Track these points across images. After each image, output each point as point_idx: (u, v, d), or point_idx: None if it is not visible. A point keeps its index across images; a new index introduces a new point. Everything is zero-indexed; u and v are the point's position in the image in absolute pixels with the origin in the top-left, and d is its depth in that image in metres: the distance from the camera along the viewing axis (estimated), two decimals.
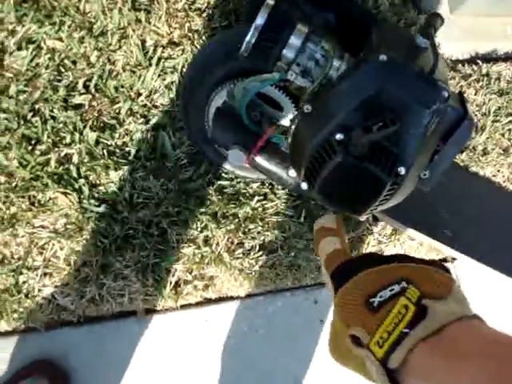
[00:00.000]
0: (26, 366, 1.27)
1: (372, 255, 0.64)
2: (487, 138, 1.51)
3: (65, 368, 1.29)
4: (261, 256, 1.35)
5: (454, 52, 1.58)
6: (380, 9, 1.51)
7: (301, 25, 1.01)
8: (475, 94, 1.53)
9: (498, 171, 1.51)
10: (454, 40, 1.57)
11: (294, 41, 0.99)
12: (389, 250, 1.44)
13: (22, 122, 1.30)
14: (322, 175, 0.93)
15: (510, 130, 1.53)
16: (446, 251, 1.39)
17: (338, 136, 0.90)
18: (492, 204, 1.46)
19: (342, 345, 0.56)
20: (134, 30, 1.38)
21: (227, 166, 1.31)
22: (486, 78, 1.55)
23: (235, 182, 1.35)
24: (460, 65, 1.56)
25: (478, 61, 1.57)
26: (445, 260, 1.49)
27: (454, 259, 1.47)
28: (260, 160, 1.16)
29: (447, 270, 0.58)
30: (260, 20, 0.98)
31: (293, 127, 1.07)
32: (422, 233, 1.30)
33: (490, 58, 1.58)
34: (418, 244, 1.44)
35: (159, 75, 1.37)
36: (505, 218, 1.45)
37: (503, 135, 1.52)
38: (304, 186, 0.99)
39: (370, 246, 1.41)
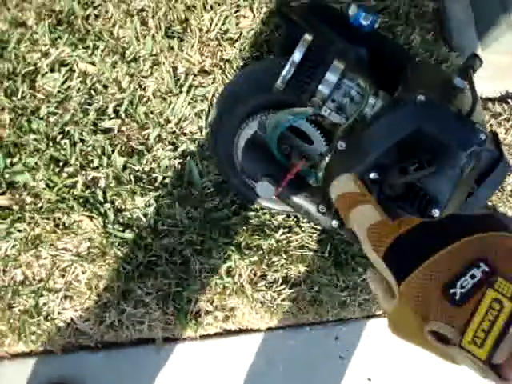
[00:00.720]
0: None
1: (427, 225, 0.54)
2: None
3: None
4: (283, 289, 1.33)
5: (485, 90, 1.57)
6: (412, 44, 1.50)
7: (337, 61, 1.01)
8: (505, 133, 1.52)
9: None
10: (484, 78, 1.55)
11: (330, 77, 0.99)
12: None
13: (50, 144, 1.30)
14: None
15: None
16: None
17: (373, 175, 0.89)
18: None
19: (414, 333, 0.51)
20: (166, 57, 1.39)
21: (253, 197, 1.30)
22: None
23: (261, 213, 1.34)
24: (490, 103, 1.55)
25: (509, 100, 1.55)
26: None
27: None
28: (288, 193, 1.15)
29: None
30: (297, 55, 0.98)
31: (323, 162, 1.06)
32: None
33: None
34: None
35: (189, 103, 1.37)
36: None
37: None
38: (335, 223, 0.98)
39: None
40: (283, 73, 0.97)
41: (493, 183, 0.98)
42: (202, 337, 1.33)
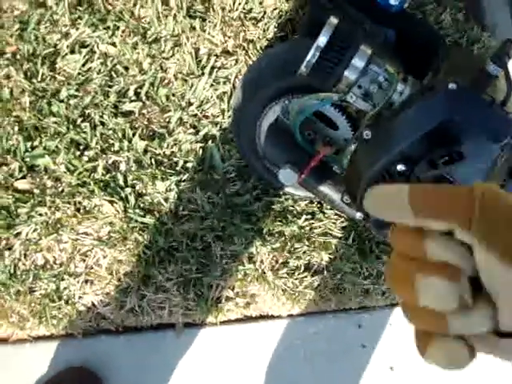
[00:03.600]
0: (61, 372, 1.26)
1: None
2: None
3: (99, 376, 1.27)
4: (305, 277, 1.31)
5: None
6: (442, 24, 1.45)
7: (364, 46, 0.97)
8: None
9: None
10: None
11: (357, 62, 0.95)
12: None
13: (71, 127, 1.29)
14: None
15: None
16: None
17: (400, 167, 0.86)
18: None
19: None
20: (187, 38, 1.36)
21: (276, 183, 1.27)
22: None
23: (283, 199, 1.32)
24: None
25: None
26: None
27: None
28: (312, 181, 1.12)
29: None
30: (323, 39, 0.94)
31: (349, 150, 1.03)
32: None
33: None
34: None
35: (211, 85, 1.34)
36: None
37: None
38: (359, 215, 0.95)
39: None
40: (308, 57, 0.94)
41: None
42: (223, 322, 1.32)
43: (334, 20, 0.96)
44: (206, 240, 1.28)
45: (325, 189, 1.12)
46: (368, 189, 0.41)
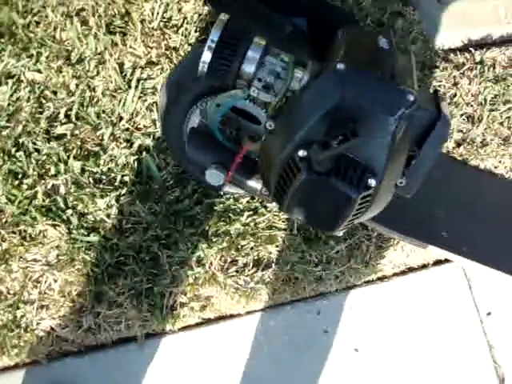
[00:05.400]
0: None
1: None
2: (485, 128, 1.44)
3: None
4: (255, 272, 1.32)
5: (445, 41, 1.52)
6: (362, 5, 1.46)
7: (258, 38, 0.98)
8: (469, 84, 1.47)
9: (500, 162, 1.44)
10: (444, 28, 1.51)
11: (252, 55, 0.96)
12: (390, 256, 1.39)
13: (6, 158, 1.30)
14: (289, 194, 0.90)
15: (509, 117, 1.46)
16: (444, 255, 1.33)
17: (301, 152, 0.87)
18: (497, 198, 1.39)
19: None
20: (111, 54, 1.37)
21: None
22: (479, 66, 1.48)
23: (224, 199, 1.33)
24: (452, 54, 1.50)
25: (471, 48, 1.50)
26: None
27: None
28: (240, 177, 1.14)
29: None
30: (213, 38, 0.95)
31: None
32: (417, 239, 1.25)
33: (484, 44, 1.51)
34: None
35: (139, 97, 1.36)
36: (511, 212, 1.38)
37: (502, 124, 1.45)
38: (275, 205, 0.96)
39: (368, 252, 1.36)
40: (202, 58, 0.95)
41: (434, 143, 0.95)
42: (183, 328, 1.33)
43: (223, 17, 0.97)
44: (153, 250, 1.30)
45: (254, 183, 1.13)
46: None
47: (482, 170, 1.41)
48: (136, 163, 1.32)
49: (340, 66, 0.86)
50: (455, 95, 1.47)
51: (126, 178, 1.32)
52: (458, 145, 1.44)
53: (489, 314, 1.41)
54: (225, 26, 0.96)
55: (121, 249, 1.29)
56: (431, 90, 1.02)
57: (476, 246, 1.30)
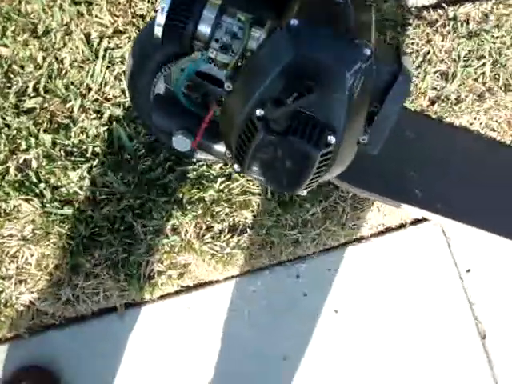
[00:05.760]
0: (14, 373, 1.28)
1: None
2: (459, 85, 1.43)
3: (54, 371, 1.30)
4: (231, 238, 1.32)
5: None
6: None
7: None
8: (443, 40, 1.45)
9: (475, 119, 1.42)
10: None
11: (207, 15, 0.94)
12: (366, 216, 1.39)
13: None
14: (248, 154, 0.89)
15: (483, 73, 1.44)
16: (419, 213, 1.33)
17: (258, 112, 0.86)
18: (471, 154, 1.39)
19: None
20: (77, 25, 1.36)
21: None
22: (453, 22, 1.46)
23: (197, 166, 1.33)
24: (425, 11, 1.48)
25: (444, 4, 1.48)
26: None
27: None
28: (207, 142, 1.13)
29: None
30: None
31: None
32: (390, 198, 1.24)
33: (457, 0, 1.48)
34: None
35: (108, 67, 1.35)
36: (486, 168, 1.37)
37: (476, 80, 1.44)
38: (236, 167, 0.96)
39: (345, 214, 1.36)
40: (157, 21, 0.93)
41: (396, 98, 0.93)
42: (162, 297, 1.34)
43: None
44: (127, 220, 1.30)
45: (221, 148, 1.12)
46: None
47: (456, 127, 1.40)
48: (107, 134, 1.32)
49: (293, 22, 0.85)
50: (428, 52, 1.45)
51: (98, 150, 1.31)
52: (433, 102, 1.42)
53: (468, 271, 1.41)
54: None
55: (95, 220, 1.29)
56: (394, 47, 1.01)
57: (451, 202, 1.30)
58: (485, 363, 1.38)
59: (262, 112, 0.86)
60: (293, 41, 0.85)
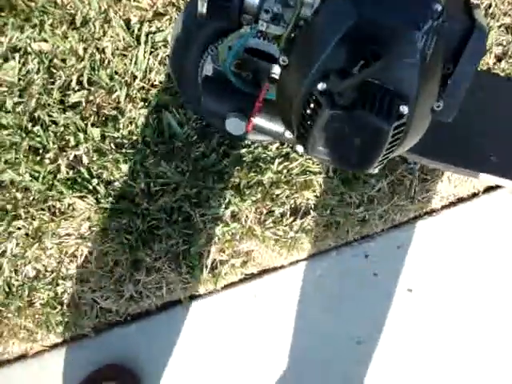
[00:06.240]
0: (91, 375, 1.26)
1: None
2: None
3: (130, 368, 1.27)
4: (294, 221, 1.26)
5: None
6: None
7: None
8: None
9: None
10: None
11: None
12: (436, 188, 1.30)
13: (24, 135, 1.26)
14: (313, 133, 0.82)
15: None
16: (496, 181, 1.22)
17: (320, 86, 0.78)
18: None
19: None
20: (115, 12, 1.30)
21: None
22: None
23: (252, 148, 1.26)
24: None
25: None
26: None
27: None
28: (262, 122, 1.06)
29: None
30: None
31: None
32: (465, 167, 1.14)
33: None
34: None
35: (151, 52, 1.29)
36: None
37: None
38: (299, 148, 0.88)
39: (413, 188, 1.27)
40: None
41: (471, 57, 0.84)
42: (226, 287, 1.29)
43: None
44: (185, 210, 1.25)
45: (279, 127, 1.05)
46: None
47: None
48: (156, 122, 1.26)
49: None
50: (490, 6, 1.33)
51: (148, 139, 1.26)
52: (499, 59, 1.31)
53: None
54: None
55: (152, 213, 1.24)
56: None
57: None
58: None
59: (325, 85, 0.78)
60: (352, 2, 0.76)
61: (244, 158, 1.26)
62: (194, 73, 1.12)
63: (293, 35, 0.88)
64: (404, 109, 0.78)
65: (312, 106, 0.80)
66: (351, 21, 0.76)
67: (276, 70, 1.04)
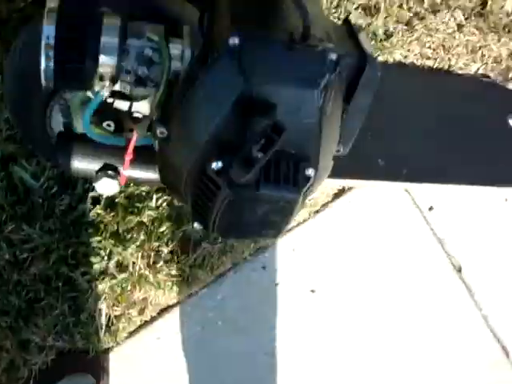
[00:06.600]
0: None
1: None
2: (385, 17, 1.27)
3: None
4: (187, 256, 1.17)
5: None
6: None
7: (108, 17, 0.72)
8: None
9: (408, 51, 1.29)
10: None
11: (108, 41, 0.72)
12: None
13: None
14: (214, 215, 0.72)
15: None
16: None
17: (215, 165, 0.68)
18: (409, 92, 1.25)
19: None
20: None
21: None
22: None
23: (123, 188, 1.12)
24: None
25: None
26: None
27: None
28: (138, 174, 0.93)
29: None
30: (48, 33, 0.69)
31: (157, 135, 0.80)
32: (351, 178, 1.11)
33: None
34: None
35: None
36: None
37: (401, 6, 1.28)
38: (197, 226, 0.78)
39: None
40: (42, 66, 0.70)
41: (367, 92, 0.77)
42: (127, 337, 1.19)
43: (51, 3, 0.70)
44: (63, 273, 1.10)
45: (155, 175, 0.92)
46: None
47: (389, 64, 1.26)
48: (5, 179, 1.07)
49: (233, 40, 0.65)
50: None
51: (2, 203, 1.07)
52: None
53: (431, 208, 1.35)
54: (59, 16, 0.70)
55: (26, 284, 1.09)
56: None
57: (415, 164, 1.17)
58: (465, 294, 1.36)
59: (220, 164, 0.68)
60: (238, 67, 0.65)
61: (117, 201, 1.12)
62: (41, 120, 0.95)
63: (165, 98, 0.76)
64: (310, 171, 0.71)
65: (207, 186, 0.70)
66: (238, 90, 0.66)
67: (140, 109, 0.91)
